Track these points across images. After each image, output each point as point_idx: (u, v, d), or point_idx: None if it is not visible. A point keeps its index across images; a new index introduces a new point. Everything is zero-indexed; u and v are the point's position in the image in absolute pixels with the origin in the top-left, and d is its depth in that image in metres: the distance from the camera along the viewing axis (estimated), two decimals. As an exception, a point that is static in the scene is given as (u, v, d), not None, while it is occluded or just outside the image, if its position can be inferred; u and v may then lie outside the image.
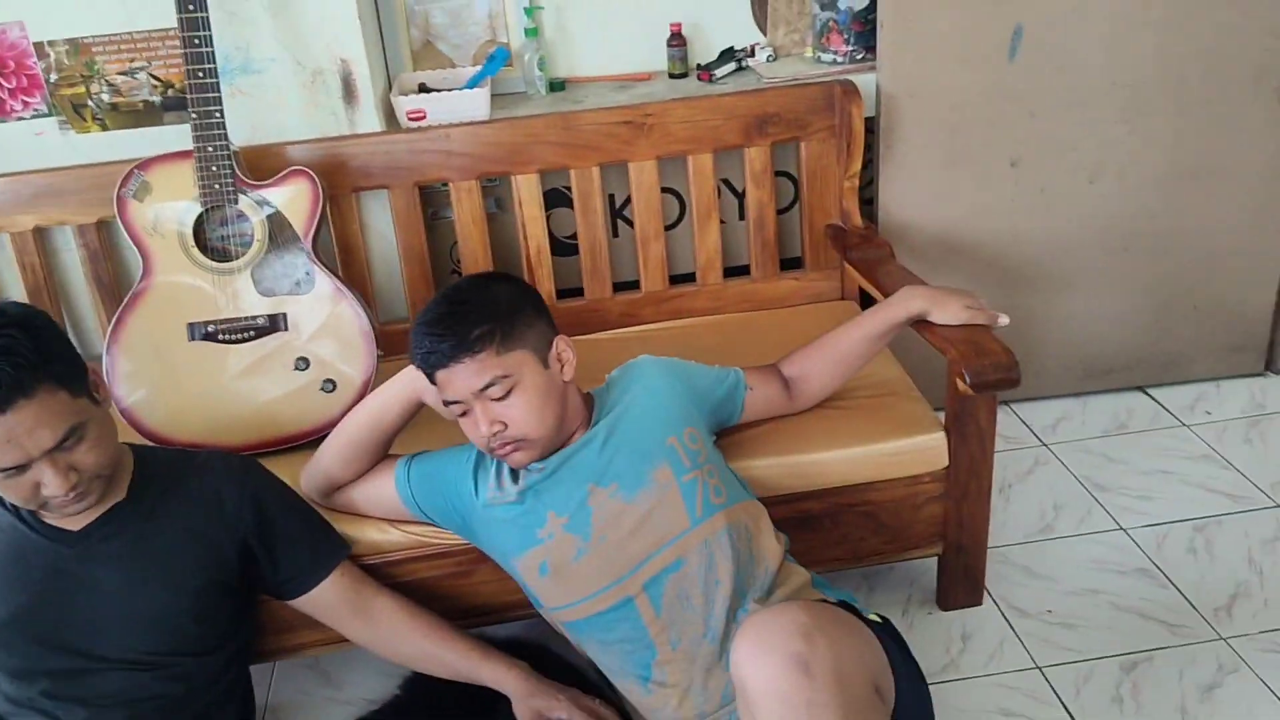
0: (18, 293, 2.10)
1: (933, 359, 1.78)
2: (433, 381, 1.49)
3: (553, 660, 1.69)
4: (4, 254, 2.08)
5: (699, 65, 2.36)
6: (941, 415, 1.80)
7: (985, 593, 1.96)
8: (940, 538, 1.86)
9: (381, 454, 1.67)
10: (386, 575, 1.71)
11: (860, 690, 1.20)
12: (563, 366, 1.54)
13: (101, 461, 1.41)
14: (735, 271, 2.31)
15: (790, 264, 2.33)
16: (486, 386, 1.45)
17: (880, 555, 1.87)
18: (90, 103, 2.04)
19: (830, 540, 1.82)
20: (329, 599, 1.60)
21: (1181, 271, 2.42)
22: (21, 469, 1.33)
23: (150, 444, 1.78)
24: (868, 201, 2.36)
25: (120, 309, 1.84)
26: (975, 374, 1.66)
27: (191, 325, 1.85)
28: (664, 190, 2.29)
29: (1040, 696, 1.75)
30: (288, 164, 1.92)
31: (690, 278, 2.28)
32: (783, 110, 2.16)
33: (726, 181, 2.38)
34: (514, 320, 1.48)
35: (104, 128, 2.07)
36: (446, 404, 1.50)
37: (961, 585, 1.93)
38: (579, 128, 2.12)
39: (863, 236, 2.18)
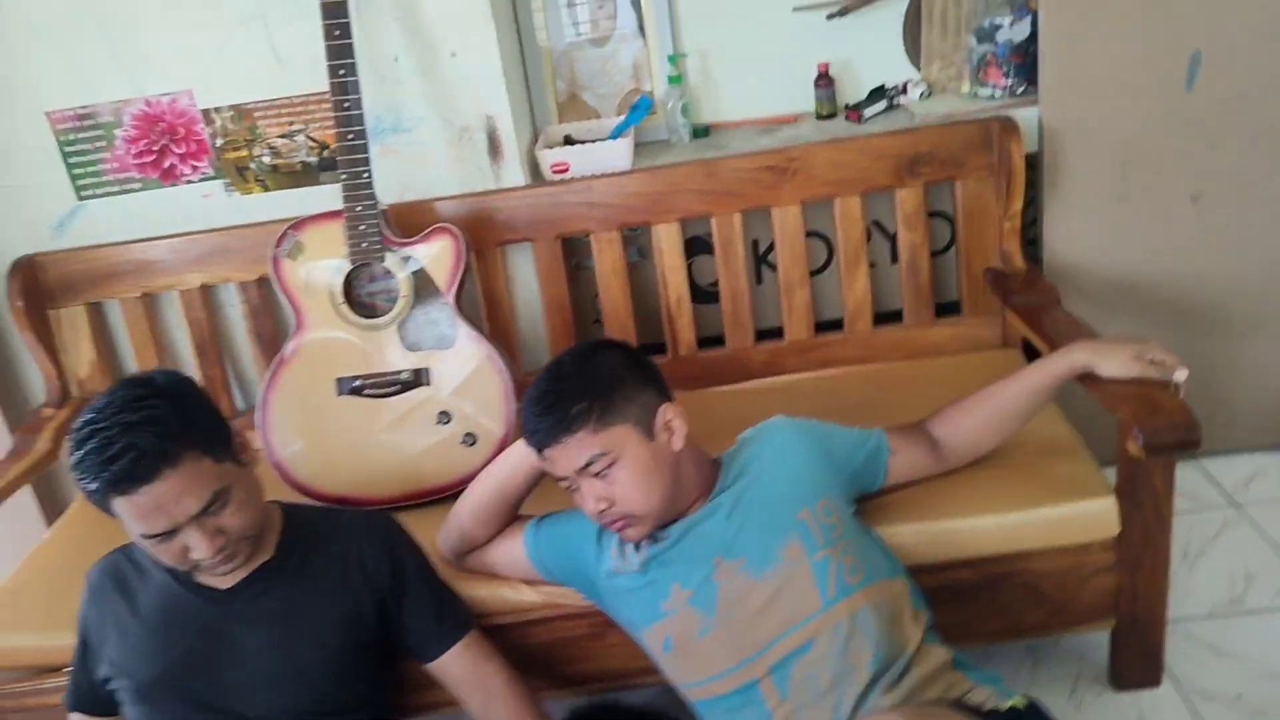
0: (184, 347, 2.21)
1: (1104, 411, 1.64)
2: (542, 458, 1.47)
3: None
4: (174, 310, 2.20)
5: (848, 105, 2.28)
6: (1113, 474, 1.65)
7: (1164, 672, 1.79)
8: (1112, 612, 1.71)
9: (511, 516, 1.66)
10: (521, 634, 1.70)
11: None
12: (671, 436, 1.47)
13: (247, 523, 1.45)
14: (886, 318, 2.21)
15: (946, 310, 2.21)
16: (586, 465, 1.42)
17: (1042, 629, 1.74)
18: (252, 165, 2.14)
19: (985, 613, 1.69)
20: (451, 669, 1.59)
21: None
22: (170, 534, 1.38)
23: (300, 501, 1.82)
24: (1031, 242, 2.22)
25: (274, 364, 1.91)
26: (1149, 435, 1.52)
27: (340, 380, 1.90)
28: (810, 234, 2.22)
29: (1229, 795, 1.58)
30: (435, 220, 1.96)
31: (838, 325, 2.19)
32: (936, 149, 2.05)
33: (878, 224, 2.28)
34: (613, 394, 1.43)
35: (265, 188, 2.16)
36: (557, 480, 1.48)
37: (1137, 664, 1.76)
38: (720, 174, 2.07)
39: (1026, 280, 2.05)
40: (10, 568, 1.96)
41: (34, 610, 1.80)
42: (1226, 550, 2.06)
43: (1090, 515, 1.64)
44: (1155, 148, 2.07)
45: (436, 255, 1.88)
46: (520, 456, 1.59)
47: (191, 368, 2.20)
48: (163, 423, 1.35)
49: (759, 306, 2.23)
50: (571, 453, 1.42)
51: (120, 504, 1.35)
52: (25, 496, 2.22)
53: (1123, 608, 1.70)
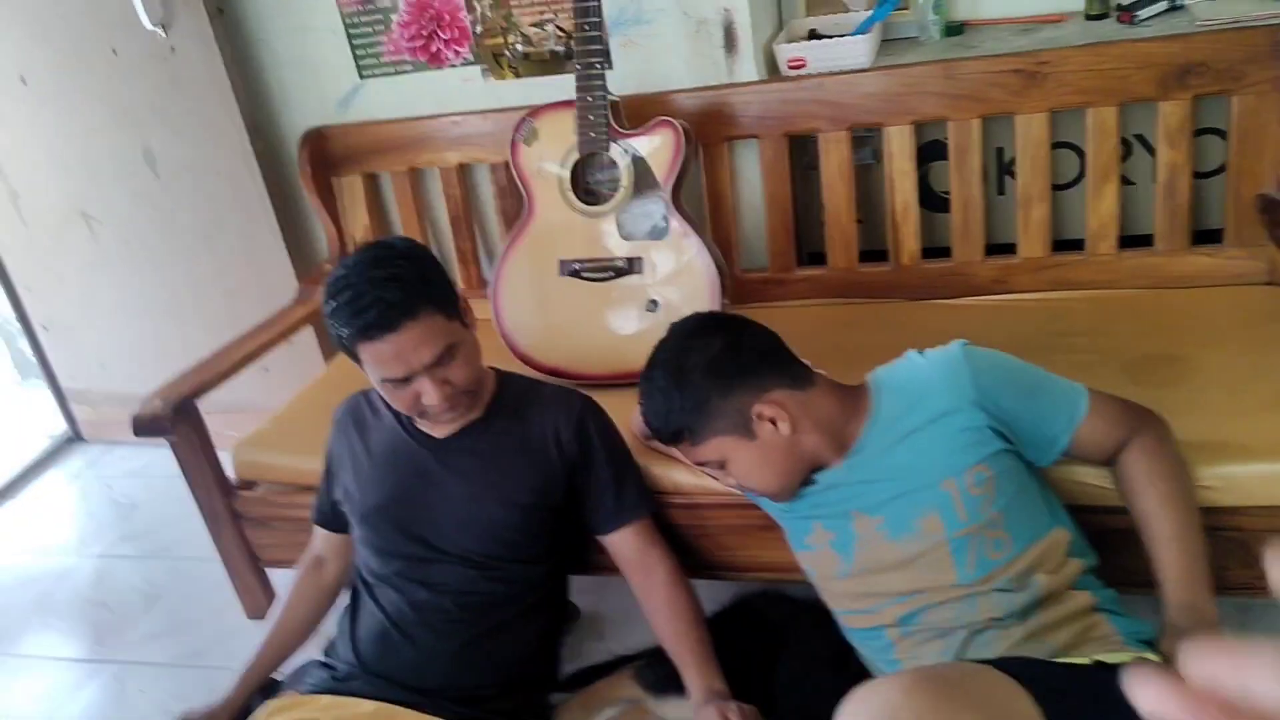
0: (442, 218, 2.42)
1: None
2: None
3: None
4: (435, 185, 2.41)
5: (1120, 5, 2.08)
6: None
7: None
8: (1333, 583, 1.55)
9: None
10: (696, 516, 1.79)
11: None
12: (776, 427, 1.44)
13: (471, 378, 1.62)
14: (1138, 242, 2.05)
15: (1207, 239, 2.01)
16: (702, 464, 1.52)
17: (1251, 590, 1.59)
18: (506, 52, 2.27)
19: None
20: (620, 548, 1.71)
21: None
22: (406, 381, 1.55)
23: (517, 370, 1.97)
24: (1321, 168, 1.96)
25: (507, 243, 2.06)
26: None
27: (562, 261, 2.02)
28: (1061, 145, 2.08)
29: None
30: (667, 112, 2.01)
31: (1079, 245, 2.06)
32: (1212, 58, 1.85)
33: (1141, 138, 2.09)
34: (697, 417, 1.45)
35: (517, 75, 2.30)
36: None
37: (1358, 643, 1.60)
38: (961, 77, 1.98)
39: (1301, 211, 1.83)
40: (291, 398, 2.29)
41: (299, 437, 2.07)
42: None
43: (1312, 478, 1.49)
44: None
45: (657, 147, 1.93)
46: None
47: (447, 238, 2.41)
48: (406, 281, 1.52)
49: (995, 219, 2.13)
50: (686, 457, 1.54)
51: (366, 350, 1.53)
52: (308, 337, 2.55)
53: (1346, 581, 1.54)
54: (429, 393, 1.56)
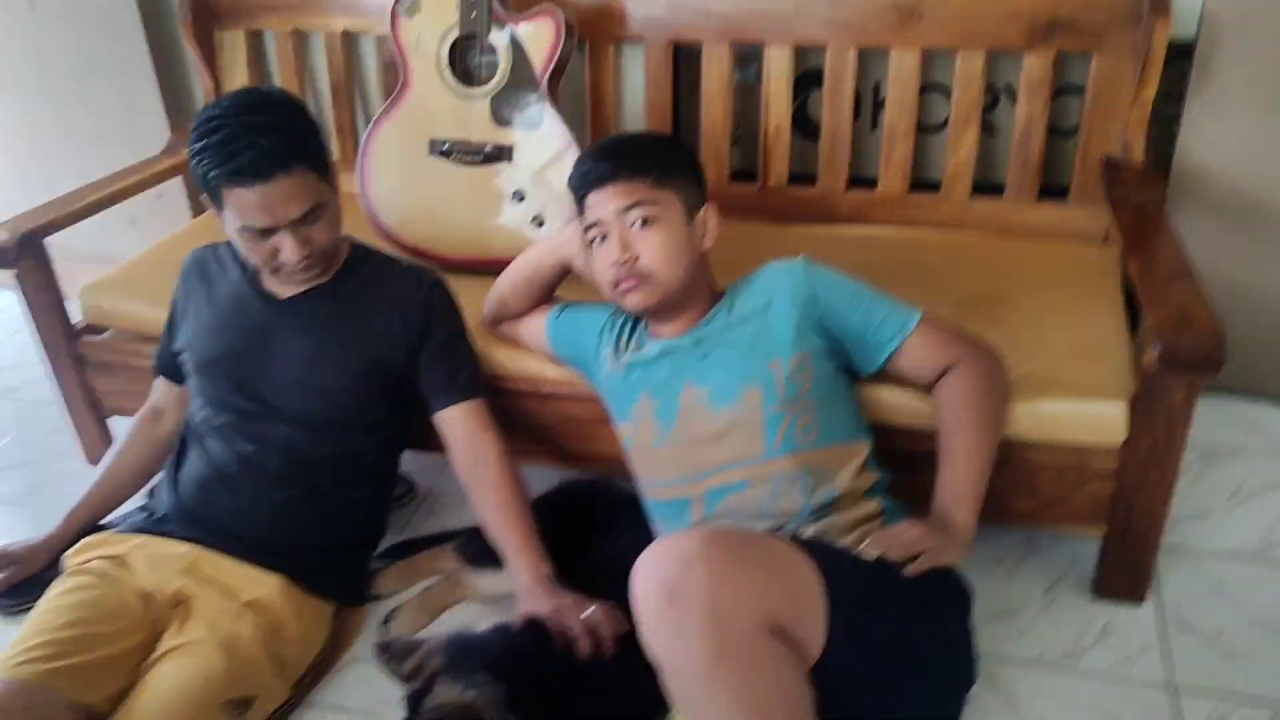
0: (324, 86, 2.39)
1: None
2: (582, 210, 1.56)
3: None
4: (319, 51, 2.37)
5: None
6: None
7: (1151, 592, 1.75)
8: (1104, 520, 1.67)
9: (543, 297, 1.77)
10: (538, 404, 1.84)
11: (743, 626, 1.13)
12: (705, 234, 1.56)
13: (331, 240, 1.64)
14: (991, 190, 2.12)
15: (1057, 193, 2.10)
16: (630, 207, 1.51)
17: (1030, 520, 1.72)
18: (404, -78, 2.22)
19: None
20: (450, 427, 1.73)
21: None
22: (267, 233, 1.56)
23: (378, 245, 1.97)
24: (1169, 139, 2.05)
25: (378, 114, 2.05)
26: (1168, 348, 1.46)
27: (433, 141, 2.02)
28: (934, 88, 2.14)
29: (1157, 717, 1.56)
30: (557, 3, 2.00)
31: (938, 187, 2.13)
32: (1079, 15, 1.92)
33: (1009, 89, 2.16)
34: (673, 167, 1.54)
35: (412, -53, 2.25)
36: (587, 229, 1.56)
37: (1121, 577, 1.73)
38: (845, 5, 2.01)
39: (1140, 175, 1.92)
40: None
41: (148, 285, 2.04)
42: (1283, 501, 1.95)
43: (1095, 418, 1.59)
44: (1332, 56, 1.86)
45: (536, 35, 1.93)
46: (550, 248, 1.71)
47: (327, 105, 2.38)
48: (283, 132, 1.52)
49: (864, 153, 2.19)
50: (621, 194, 1.51)
51: (232, 195, 1.52)
52: (178, 192, 2.51)
53: (1116, 518, 1.66)
54: (288, 248, 1.57)
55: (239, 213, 1.54)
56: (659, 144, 1.64)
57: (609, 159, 1.54)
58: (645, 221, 1.51)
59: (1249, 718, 1.55)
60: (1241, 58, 1.90)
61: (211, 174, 1.52)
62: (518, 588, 1.60)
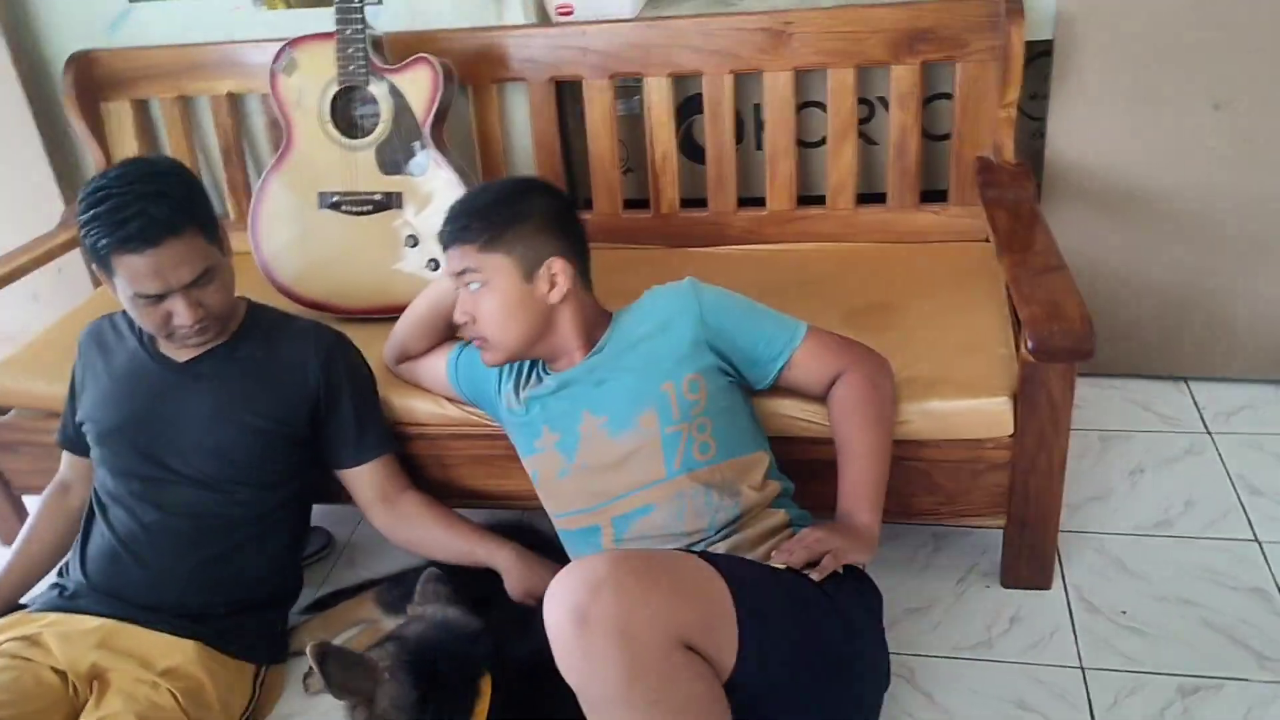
0: (214, 148, 2.39)
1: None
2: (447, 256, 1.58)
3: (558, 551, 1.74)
4: (206, 114, 2.37)
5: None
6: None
7: (1057, 577, 1.80)
8: (1003, 510, 1.72)
9: (444, 336, 1.79)
10: (446, 446, 1.84)
11: (655, 645, 1.15)
12: (551, 289, 1.54)
13: (224, 302, 1.64)
14: (875, 199, 2.18)
15: (938, 197, 2.16)
16: (460, 273, 1.53)
17: (933, 516, 1.76)
18: (278, -18, 2.25)
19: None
20: (360, 485, 1.77)
21: None
22: (159, 299, 1.56)
23: (276, 303, 1.97)
24: (1040, 136, 2.13)
25: (266, 172, 2.06)
26: (1039, 340, 1.51)
27: (321, 194, 2.03)
28: (811, 104, 2.19)
29: (1069, 698, 1.59)
30: (435, 51, 2.03)
31: (824, 200, 2.18)
32: (939, 26, 1.98)
33: (882, 100, 2.22)
34: (508, 227, 1.52)
35: (289, 5, 2.28)
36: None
37: (1025, 564, 1.77)
38: (716, 33, 2.07)
39: (1011, 174, 1.99)
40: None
41: (51, 363, 2.01)
42: (1179, 475, 2.01)
43: (983, 413, 1.64)
44: (1179, 46, 1.94)
45: (415, 84, 1.96)
46: (450, 284, 1.71)
47: (219, 167, 2.39)
48: (172, 198, 1.53)
49: (752, 174, 2.24)
50: (455, 259, 1.55)
51: (122, 262, 1.53)
52: (79, 267, 2.49)
53: (1014, 507, 1.71)
54: (181, 313, 1.58)
55: (130, 280, 1.55)
56: (496, 204, 1.55)
57: (447, 223, 1.56)
58: (477, 285, 1.53)
59: (1156, 689, 1.59)
60: (1097, 54, 1.98)
61: (101, 243, 1.53)
62: (510, 571, 1.66)
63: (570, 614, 1.15)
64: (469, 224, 1.53)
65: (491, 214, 1.53)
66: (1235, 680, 1.59)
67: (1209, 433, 2.11)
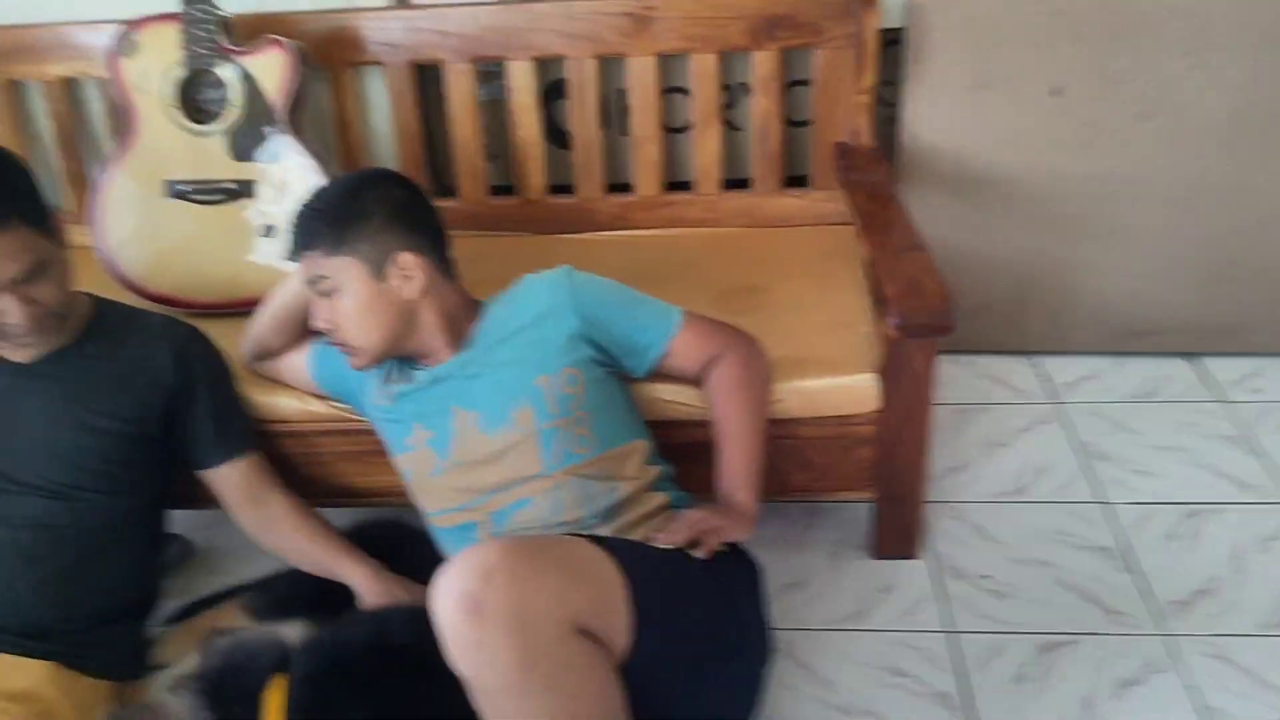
0: (47, 137, 2.24)
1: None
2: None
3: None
4: (38, 100, 2.22)
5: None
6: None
7: (923, 547, 1.87)
8: (871, 484, 1.77)
9: (302, 331, 1.71)
10: (313, 443, 1.78)
11: (549, 630, 1.14)
12: (405, 284, 1.50)
13: (60, 299, 1.52)
14: (740, 185, 2.21)
15: (800, 182, 2.21)
16: (312, 282, 1.50)
17: (806, 492, 1.80)
18: (115, -41, 2.12)
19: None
20: (223, 485, 1.68)
21: (1243, 229, 2.16)
22: None
23: (120, 298, 1.87)
24: (893, 121, 2.20)
25: (107, 161, 1.94)
26: (902, 316, 1.55)
27: (168, 183, 1.93)
28: (677, 90, 2.20)
29: (939, 662, 1.66)
30: (288, 33, 1.95)
31: (690, 185, 2.20)
32: (796, 12, 2.02)
33: (745, 85, 2.25)
34: (349, 227, 1.48)
35: (127, -16, 2.15)
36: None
37: (894, 535, 1.84)
38: (578, 16, 2.05)
39: (868, 158, 2.05)
40: None
41: None
42: (1030, 444, 2.12)
43: (850, 390, 1.69)
44: (1019, 35, 2.04)
45: (267, 68, 1.88)
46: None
47: (53, 158, 2.24)
48: None
49: (618, 158, 2.24)
50: (305, 268, 1.51)
51: None
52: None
53: (882, 481, 1.76)
54: (12, 311, 1.46)
55: None
56: (335, 205, 1.51)
57: (292, 230, 1.52)
58: (330, 296, 1.50)
59: (1019, 647, 1.67)
60: (946, 41, 2.06)
61: None
62: (364, 590, 1.61)
63: (462, 602, 1.12)
64: (311, 229, 1.49)
65: (331, 217, 1.49)
66: (1088, 635, 1.69)
67: (1056, 403, 2.23)
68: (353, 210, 1.49)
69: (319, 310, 1.52)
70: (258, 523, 1.70)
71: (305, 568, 1.68)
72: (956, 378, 2.30)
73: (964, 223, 2.22)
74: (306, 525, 1.69)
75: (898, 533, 1.83)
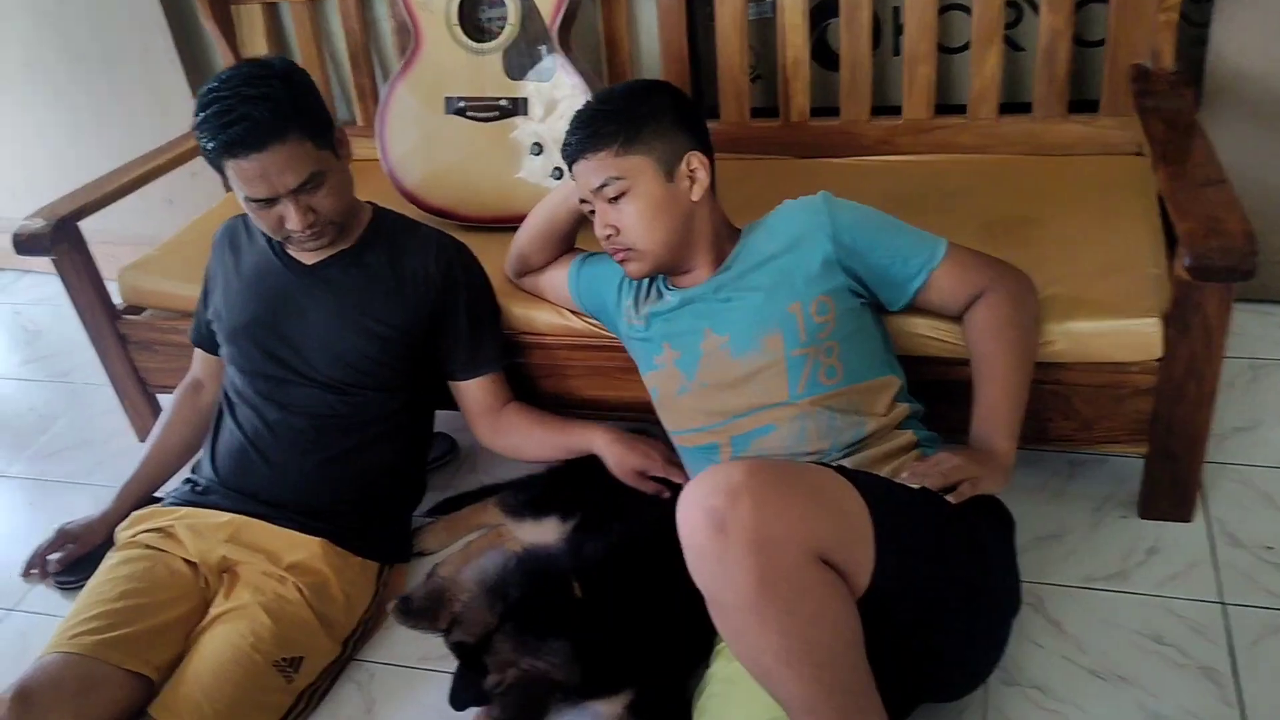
0: (342, 52, 2.39)
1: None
2: (573, 175, 1.54)
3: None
4: (335, 17, 2.37)
5: None
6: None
7: (1199, 510, 1.72)
8: (1145, 439, 1.64)
9: (564, 246, 1.77)
10: (568, 356, 1.84)
11: (790, 555, 1.12)
12: (692, 185, 1.50)
13: (336, 208, 1.63)
14: (1018, 109, 2.07)
15: (1087, 107, 2.04)
16: (601, 186, 1.48)
17: (1067, 442, 1.69)
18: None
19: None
20: (469, 397, 1.80)
21: None
22: (270, 203, 1.57)
23: (401, 209, 1.97)
24: (1201, 43, 1.98)
25: (393, 77, 2.05)
26: (1197, 256, 1.41)
27: (448, 99, 2.02)
28: (955, 7, 2.08)
29: (1207, 634, 1.53)
30: (564, -50, 1.98)
31: (964, 109, 2.08)
32: (1102, -81, 1.85)
33: (1032, 2, 2.09)
34: (644, 126, 1.47)
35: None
36: (581, 201, 1.55)
37: (1166, 495, 1.70)
38: (857, -70, 1.96)
39: (1170, 83, 1.86)
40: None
41: (184, 263, 2.08)
42: (1334, 410, 1.90)
43: (1129, 335, 1.56)
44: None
45: (543, -14, 1.92)
46: (570, 190, 1.67)
47: (346, 72, 2.39)
48: (276, 101, 1.51)
49: (887, 81, 2.14)
50: (591, 171, 1.49)
51: (231, 166, 1.54)
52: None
53: (1157, 436, 1.63)
54: (291, 217, 1.58)
55: (240, 184, 1.56)
56: (626, 104, 1.49)
57: (576, 132, 1.50)
58: (616, 199, 1.49)
59: (1301, 628, 1.52)
60: (1274, -49, 1.82)
61: (209, 146, 1.53)
62: (607, 452, 1.69)
63: (707, 518, 1.13)
64: (601, 128, 1.47)
65: (624, 114, 1.48)
66: (1389, 623, 1.51)
67: (1372, 365, 1.98)
68: (645, 109, 1.49)
69: (602, 215, 1.51)
70: (492, 430, 1.81)
71: (545, 455, 1.78)
72: (1252, 329, 2.08)
73: (1275, 158, 1.98)
74: (537, 418, 1.79)
75: (1171, 492, 1.69)
